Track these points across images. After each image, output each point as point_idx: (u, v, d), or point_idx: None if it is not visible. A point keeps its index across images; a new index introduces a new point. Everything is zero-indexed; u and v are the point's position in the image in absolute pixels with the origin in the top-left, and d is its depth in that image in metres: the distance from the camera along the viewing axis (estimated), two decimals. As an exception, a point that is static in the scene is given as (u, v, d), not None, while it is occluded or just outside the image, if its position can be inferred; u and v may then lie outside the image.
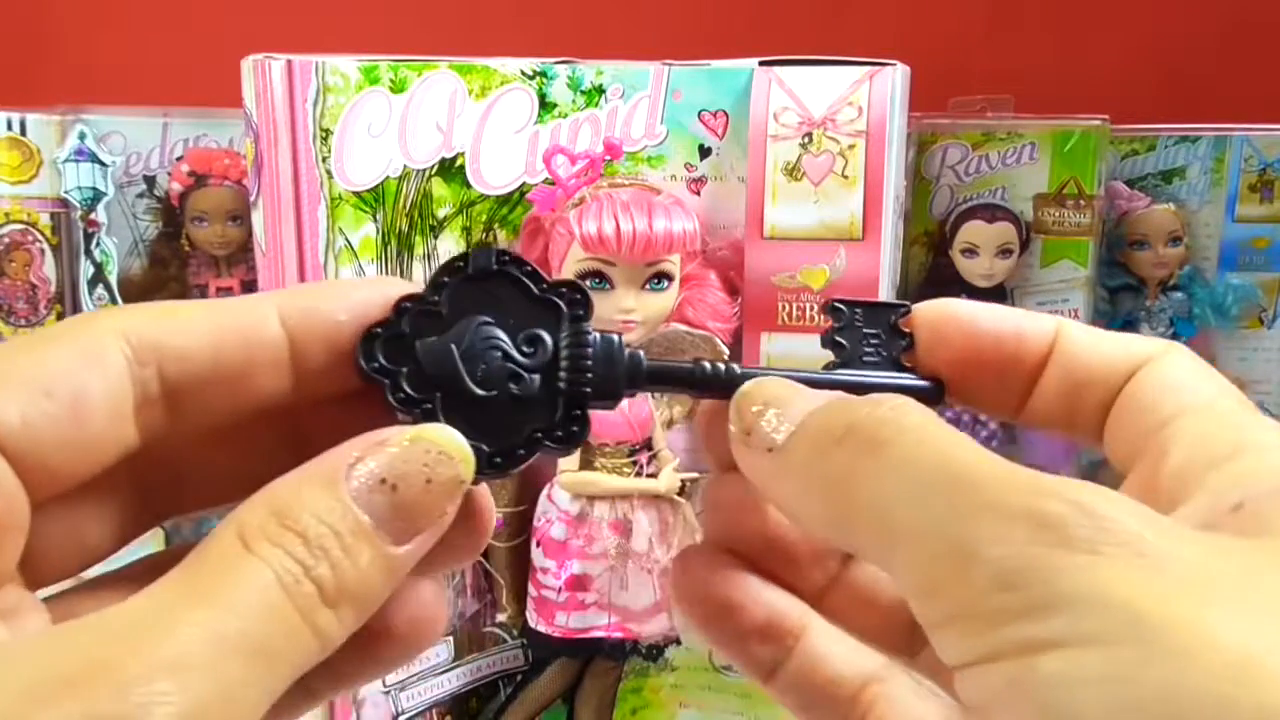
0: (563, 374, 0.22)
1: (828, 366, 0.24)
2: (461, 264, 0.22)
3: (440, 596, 0.23)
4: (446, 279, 0.22)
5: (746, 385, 0.22)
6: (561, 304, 0.23)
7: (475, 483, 0.21)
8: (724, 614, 0.23)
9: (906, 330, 0.23)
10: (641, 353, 0.23)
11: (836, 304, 0.24)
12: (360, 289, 0.22)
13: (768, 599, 0.23)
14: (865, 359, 0.23)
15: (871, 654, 0.24)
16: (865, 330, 0.23)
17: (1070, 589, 0.15)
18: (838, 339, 0.24)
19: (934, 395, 0.23)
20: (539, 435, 0.21)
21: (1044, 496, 0.16)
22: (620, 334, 0.23)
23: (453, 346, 0.21)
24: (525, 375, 0.22)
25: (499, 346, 0.22)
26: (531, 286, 0.23)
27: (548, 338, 0.22)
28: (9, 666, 0.17)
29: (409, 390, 0.21)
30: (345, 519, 0.19)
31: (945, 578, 0.17)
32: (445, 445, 0.20)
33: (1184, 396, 0.21)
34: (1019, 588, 0.16)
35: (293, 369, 0.21)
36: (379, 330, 0.21)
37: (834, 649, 0.23)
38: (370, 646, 0.21)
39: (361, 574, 0.19)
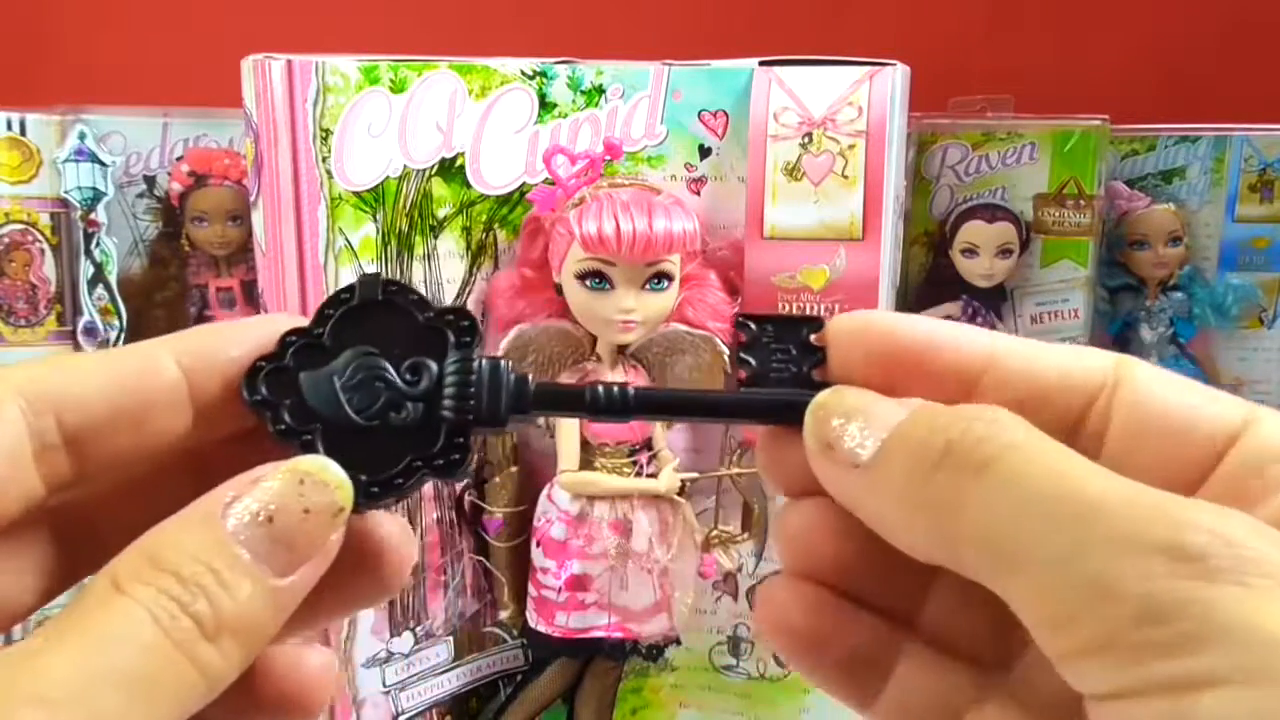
0: (446, 401, 0.21)
1: (741, 384, 0.23)
2: (347, 295, 0.22)
3: (328, 666, 0.22)
4: (331, 310, 0.22)
5: (822, 397, 0.21)
6: (448, 331, 0.22)
7: (357, 512, 0.21)
8: (815, 646, 0.23)
9: (819, 345, 0.23)
10: (529, 376, 0.22)
11: (744, 319, 0.23)
12: (253, 327, 0.22)
13: (857, 626, 0.23)
14: (774, 375, 0.23)
15: (967, 679, 0.23)
16: (775, 346, 0.23)
17: (1222, 623, 0.15)
18: (745, 355, 0.23)
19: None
20: (418, 464, 0.21)
21: (1181, 528, 0.16)
22: (507, 359, 0.22)
23: (334, 377, 0.21)
24: (407, 404, 0.21)
25: (381, 376, 0.22)
26: (417, 315, 0.22)
27: (431, 365, 0.22)
28: None
29: (289, 421, 0.21)
30: (221, 555, 0.19)
31: (1080, 610, 0.16)
32: (320, 474, 0.20)
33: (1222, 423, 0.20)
34: (1166, 622, 0.16)
35: (192, 409, 0.21)
36: (263, 364, 0.22)
37: (930, 674, 0.23)
38: (254, 714, 0.21)
39: (242, 607, 0.19)
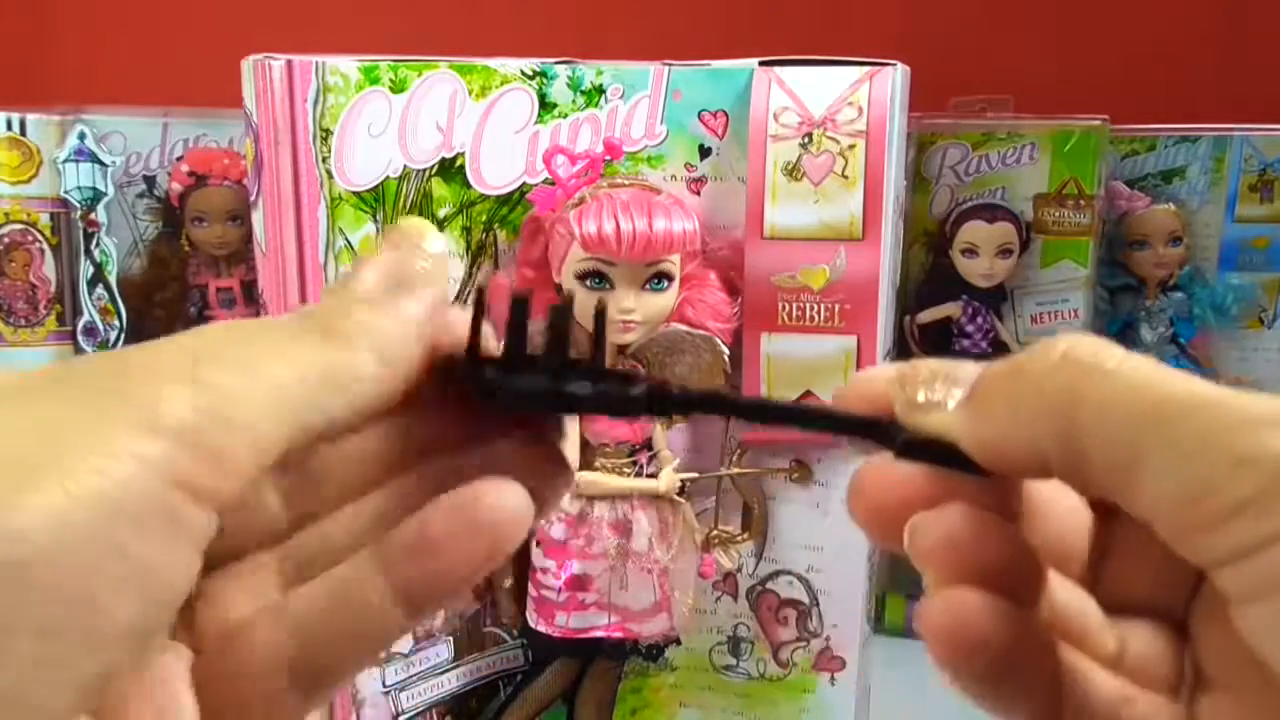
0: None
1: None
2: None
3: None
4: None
5: (904, 367, 0.23)
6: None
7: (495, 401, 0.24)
8: (1006, 662, 0.21)
9: None
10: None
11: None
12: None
13: (1039, 637, 0.22)
14: None
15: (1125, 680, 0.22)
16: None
17: None
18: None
19: (889, 438, 0.22)
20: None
21: None
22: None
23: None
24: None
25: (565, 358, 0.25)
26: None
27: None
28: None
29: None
30: (350, 292, 0.22)
31: (1219, 480, 0.18)
32: (419, 237, 0.24)
33: None
34: None
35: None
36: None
37: (1096, 673, 0.22)
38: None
39: (380, 321, 0.22)
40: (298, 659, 0.21)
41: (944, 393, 0.22)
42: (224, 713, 0.21)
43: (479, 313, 0.23)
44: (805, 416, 0.25)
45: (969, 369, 0.22)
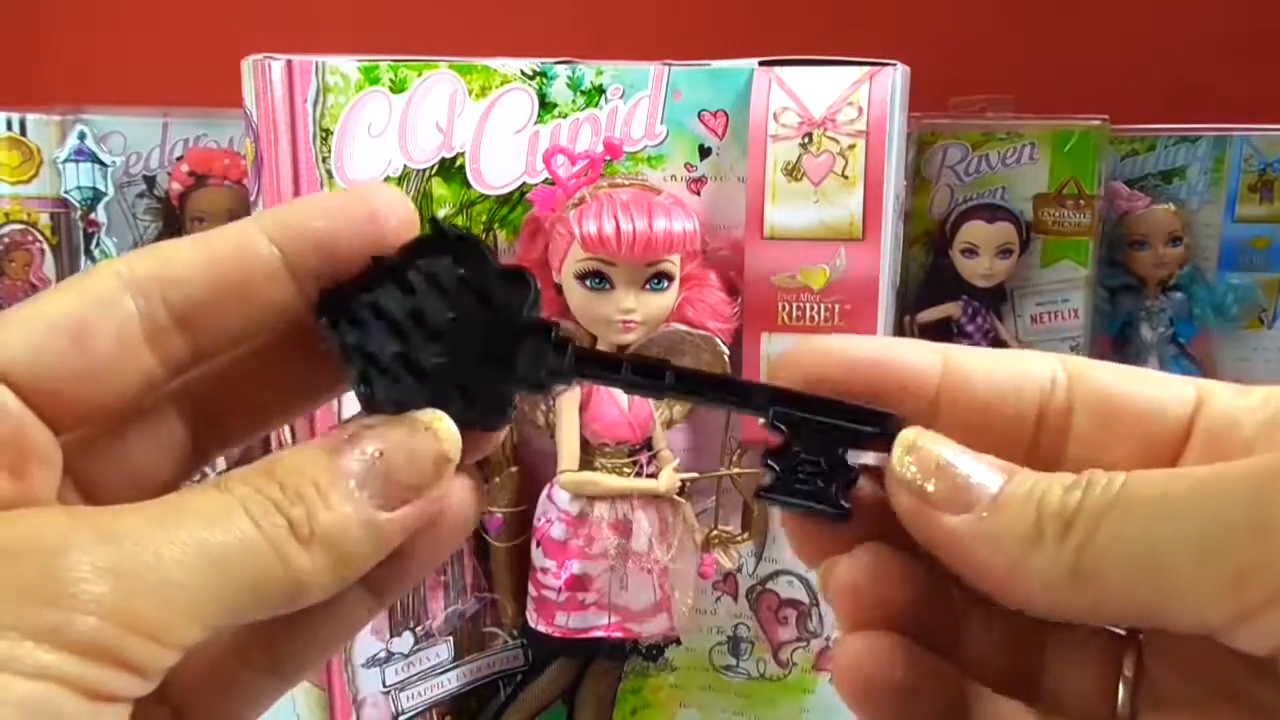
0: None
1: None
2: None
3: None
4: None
5: (910, 439, 0.21)
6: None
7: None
8: (911, 699, 0.22)
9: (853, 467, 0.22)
10: (572, 342, 0.23)
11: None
12: (335, 199, 0.24)
13: (942, 672, 0.22)
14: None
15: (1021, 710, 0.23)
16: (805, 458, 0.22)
17: None
18: (770, 463, 0.22)
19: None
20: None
21: None
22: (556, 323, 0.23)
23: (402, 317, 0.22)
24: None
25: (442, 326, 0.22)
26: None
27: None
28: None
29: (354, 345, 0.22)
30: (328, 476, 0.20)
31: (1266, 549, 0.17)
32: (433, 424, 0.21)
33: None
34: None
35: (291, 277, 0.22)
36: (341, 288, 0.22)
37: (992, 709, 0.23)
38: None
39: (340, 523, 0.20)
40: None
41: (949, 497, 0.20)
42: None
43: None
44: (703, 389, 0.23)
45: (977, 476, 0.21)
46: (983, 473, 0.21)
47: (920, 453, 0.21)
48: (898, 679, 0.21)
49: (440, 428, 0.21)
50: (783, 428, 0.22)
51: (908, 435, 0.21)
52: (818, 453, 0.22)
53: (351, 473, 0.20)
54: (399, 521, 0.21)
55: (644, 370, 0.23)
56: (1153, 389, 0.22)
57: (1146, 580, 0.19)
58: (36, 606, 0.17)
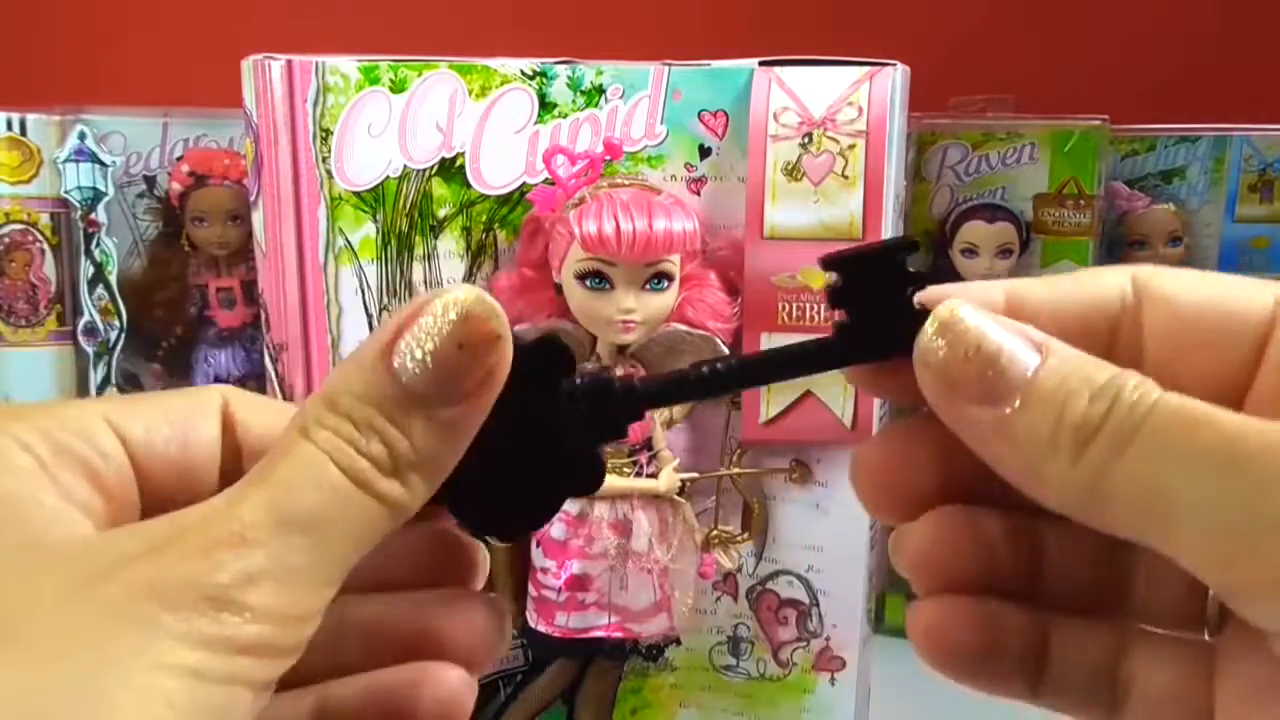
0: (567, 429, 0.23)
1: (839, 330, 0.23)
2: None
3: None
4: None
5: (946, 311, 0.21)
6: (546, 364, 0.23)
7: (506, 541, 0.23)
8: (990, 657, 0.23)
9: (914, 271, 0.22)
10: (634, 379, 0.23)
11: (831, 260, 0.23)
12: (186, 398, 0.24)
13: (1016, 622, 0.23)
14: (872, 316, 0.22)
15: (1103, 631, 0.23)
16: (868, 285, 0.22)
17: None
18: (839, 300, 0.23)
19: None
20: (561, 490, 0.23)
21: None
22: (608, 369, 0.23)
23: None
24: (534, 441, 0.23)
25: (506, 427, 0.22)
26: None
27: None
28: (84, 549, 0.19)
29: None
30: (390, 395, 0.20)
31: (1256, 545, 0.17)
32: (474, 305, 0.21)
33: None
34: None
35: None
36: None
37: (1073, 639, 0.23)
38: None
39: (417, 442, 0.20)
40: None
41: (981, 384, 0.20)
42: None
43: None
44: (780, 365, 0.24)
45: (1012, 361, 0.20)
46: (1013, 358, 0.20)
47: (953, 332, 0.20)
48: (972, 641, 0.22)
49: (483, 308, 0.21)
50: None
51: (942, 312, 0.21)
52: (880, 291, 0.22)
53: (407, 382, 0.20)
54: (467, 414, 0.21)
55: (713, 374, 0.23)
56: (1221, 301, 0.21)
57: (1153, 524, 0.19)
58: (206, 618, 0.18)
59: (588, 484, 0.23)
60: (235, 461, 0.23)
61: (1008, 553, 0.23)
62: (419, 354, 0.20)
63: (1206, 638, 0.22)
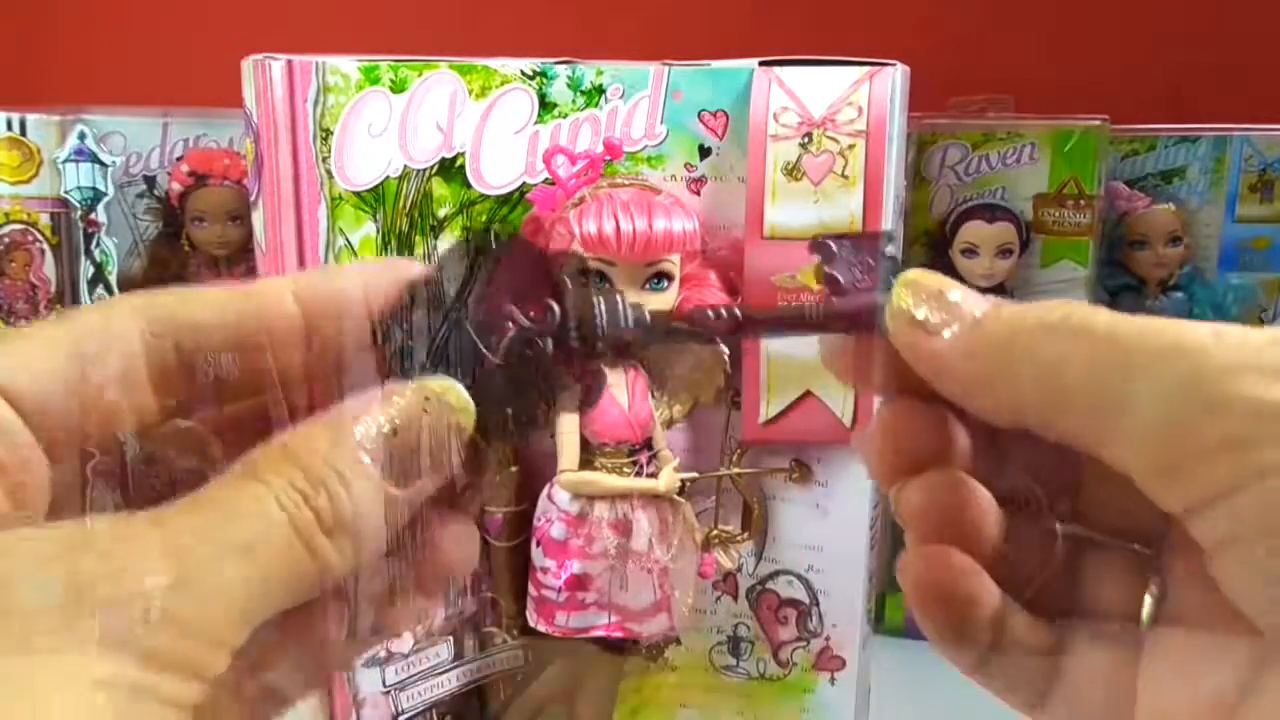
0: (572, 334, 0.24)
1: (828, 297, 0.26)
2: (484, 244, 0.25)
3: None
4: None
5: (911, 275, 0.24)
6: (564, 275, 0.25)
7: (497, 442, 0.23)
8: (965, 611, 0.24)
9: (893, 255, 0.26)
10: (645, 307, 0.25)
11: (820, 240, 0.26)
12: (370, 269, 0.24)
13: (989, 591, 0.25)
14: (859, 285, 0.25)
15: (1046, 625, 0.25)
16: (853, 261, 0.26)
17: None
18: (830, 271, 0.26)
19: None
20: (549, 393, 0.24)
21: (1261, 352, 0.19)
22: (621, 293, 0.24)
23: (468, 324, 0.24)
24: (537, 340, 0.24)
25: (511, 316, 0.23)
26: (537, 262, 0.25)
27: (554, 305, 0.24)
28: (16, 543, 0.18)
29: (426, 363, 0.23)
30: (346, 457, 0.20)
31: (1190, 424, 0.19)
32: (444, 395, 0.22)
33: None
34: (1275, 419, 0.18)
35: (305, 342, 0.22)
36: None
37: (1022, 623, 0.25)
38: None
39: (359, 509, 0.20)
40: None
41: (939, 319, 0.23)
42: None
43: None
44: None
45: (965, 302, 0.24)
46: (970, 299, 0.24)
47: (917, 286, 0.24)
48: (955, 587, 0.24)
49: (453, 398, 0.22)
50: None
51: (908, 274, 0.24)
52: (863, 255, 0.26)
53: (367, 451, 0.21)
54: (410, 500, 0.21)
55: (717, 316, 0.26)
56: None
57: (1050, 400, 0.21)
58: (121, 625, 0.18)
59: (590, 397, 0.25)
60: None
61: (991, 519, 0.25)
62: (386, 428, 0.21)
63: (1143, 549, 0.24)
